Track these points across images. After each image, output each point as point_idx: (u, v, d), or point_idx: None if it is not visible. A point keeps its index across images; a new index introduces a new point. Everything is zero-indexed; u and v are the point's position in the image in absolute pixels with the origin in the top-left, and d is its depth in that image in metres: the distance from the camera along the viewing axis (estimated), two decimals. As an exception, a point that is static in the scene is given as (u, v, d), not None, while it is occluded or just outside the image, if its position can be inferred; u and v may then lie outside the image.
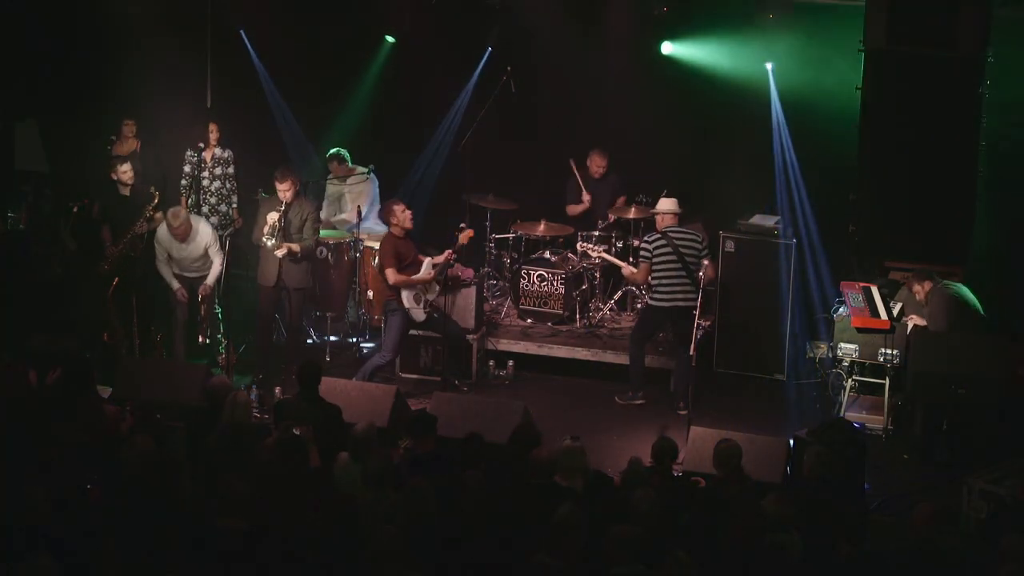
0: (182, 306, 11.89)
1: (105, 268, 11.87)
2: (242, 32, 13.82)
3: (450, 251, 11.72)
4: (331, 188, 13.17)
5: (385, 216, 11.65)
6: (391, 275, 11.52)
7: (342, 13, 13.52)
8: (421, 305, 11.58)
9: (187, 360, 11.88)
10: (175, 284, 11.80)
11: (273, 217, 11.50)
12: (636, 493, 7.63)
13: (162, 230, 11.82)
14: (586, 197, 13.23)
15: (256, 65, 13.88)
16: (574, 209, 13.38)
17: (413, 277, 11.57)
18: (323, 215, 13.02)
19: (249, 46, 13.85)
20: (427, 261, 11.61)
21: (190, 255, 11.80)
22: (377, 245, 12.35)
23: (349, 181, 13.03)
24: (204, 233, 11.87)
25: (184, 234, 11.69)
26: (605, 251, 12.43)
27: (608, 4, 13.28)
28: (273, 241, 11.48)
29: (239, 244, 12.67)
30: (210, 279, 11.84)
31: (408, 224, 11.56)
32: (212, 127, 13.08)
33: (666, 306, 11.50)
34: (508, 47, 13.50)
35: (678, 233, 11.57)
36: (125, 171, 11.96)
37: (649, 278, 11.66)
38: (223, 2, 13.72)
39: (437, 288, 11.66)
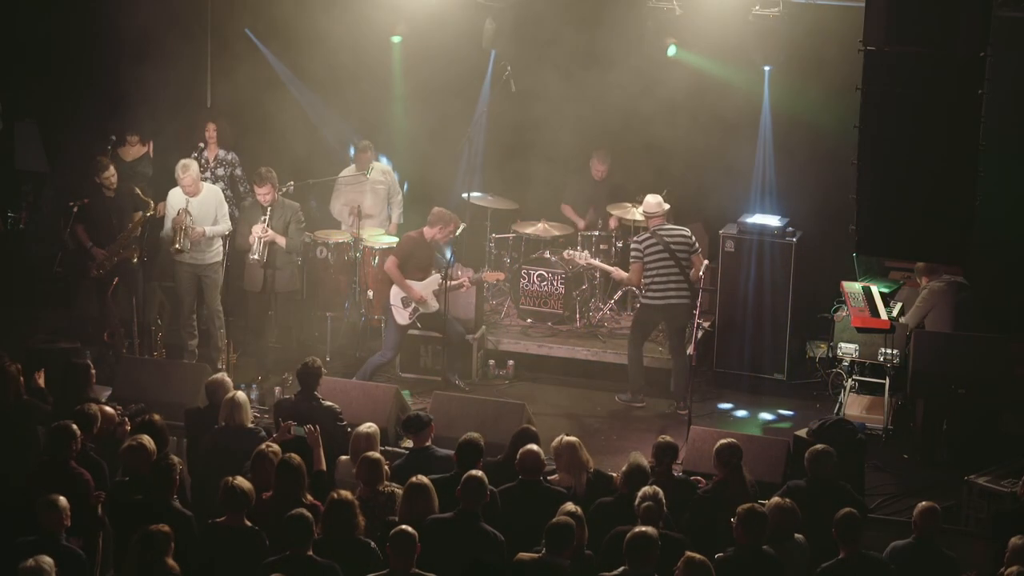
0: (187, 293, 11.88)
1: (97, 273, 11.85)
2: (248, 31, 13.79)
3: (467, 279, 11.77)
4: (349, 180, 12.98)
5: (433, 219, 11.62)
6: (390, 262, 11.57)
7: (347, 12, 13.50)
8: (408, 309, 11.57)
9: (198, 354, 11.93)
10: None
11: (257, 230, 11.50)
12: (641, 492, 7.62)
13: (173, 194, 11.85)
14: (581, 224, 13.24)
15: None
16: (568, 212, 13.39)
17: (407, 281, 11.56)
18: (335, 209, 12.93)
19: (260, 45, 13.79)
20: (432, 278, 11.55)
21: (202, 214, 11.71)
22: (379, 245, 12.40)
23: (374, 177, 12.94)
24: (212, 189, 11.94)
25: (195, 190, 11.71)
26: (592, 256, 12.43)
27: (611, 4, 13.27)
28: (257, 256, 11.51)
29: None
30: (209, 231, 11.71)
31: (442, 240, 11.59)
32: (210, 126, 13.08)
33: (660, 303, 11.50)
34: (509, 47, 13.49)
35: (667, 231, 11.58)
36: (108, 176, 11.93)
37: (642, 277, 11.65)
38: (225, 2, 13.70)
39: (435, 305, 11.62)
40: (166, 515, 7.29)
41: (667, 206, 11.72)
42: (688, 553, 6.89)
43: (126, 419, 8.82)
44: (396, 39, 13.71)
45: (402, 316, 11.60)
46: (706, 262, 11.43)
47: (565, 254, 12.53)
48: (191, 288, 11.88)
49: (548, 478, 8.38)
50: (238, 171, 13.03)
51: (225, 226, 11.81)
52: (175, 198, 11.81)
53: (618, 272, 12.05)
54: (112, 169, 12.01)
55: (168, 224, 11.80)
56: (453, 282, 11.71)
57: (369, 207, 12.81)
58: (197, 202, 11.75)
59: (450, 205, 13.45)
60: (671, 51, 13.14)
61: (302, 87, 13.86)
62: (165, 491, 7.60)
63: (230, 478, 7.46)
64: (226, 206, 11.94)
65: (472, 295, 12.32)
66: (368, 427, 8.63)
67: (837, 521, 7.43)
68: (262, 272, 11.65)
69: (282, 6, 13.52)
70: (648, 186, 13.09)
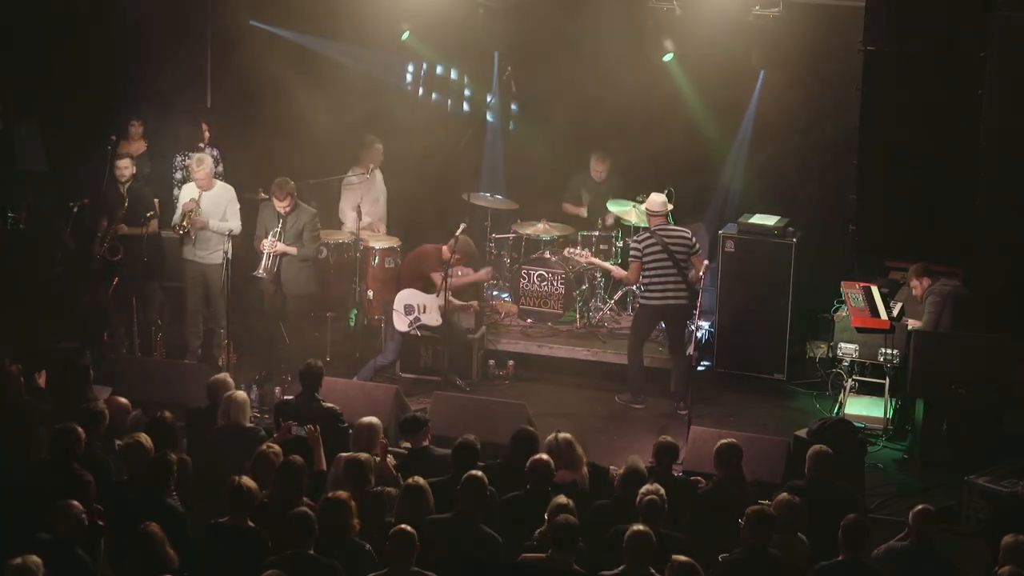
0: (194, 292, 11.88)
1: (94, 267, 11.85)
2: (255, 22, 13.74)
3: (476, 303, 11.93)
4: (356, 187, 13.00)
5: (462, 248, 11.65)
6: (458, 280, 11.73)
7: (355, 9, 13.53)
8: (409, 317, 11.55)
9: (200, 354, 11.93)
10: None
11: (266, 244, 11.50)
12: (642, 489, 7.63)
13: (187, 188, 11.94)
14: (584, 210, 13.26)
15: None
16: (569, 208, 13.40)
17: (465, 277, 11.73)
18: (344, 211, 12.90)
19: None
20: (433, 299, 11.56)
21: (210, 210, 11.74)
22: (379, 245, 12.40)
23: (379, 178, 12.95)
24: (225, 187, 11.95)
25: (207, 185, 11.76)
26: (592, 255, 12.42)
27: (609, 2, 13.27)
28: (263, 273, 11.53)
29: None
30: (213, 224, 11.72)
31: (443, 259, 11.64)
32: (204, 125, 13.10)
33: (658, 304, 11.49)
34: (509, 46, 13.50)
35: (668, 231, 11.56)
36: (125, 167, 11.96)
37: (641, 277, 11.65)
38: (225, 1, 13.69)
39: (438, 318, 11.60)
40: (160, 513, 7.29)
41: (670, 206, 11.70)
42: (674, 556, 6.88)
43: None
44: (405, 35, 13.71)
45: (402, 323, 11.59)
46: (706, 262, 11.43)
47: (565, 252, 12.53)
48: (197, 287, 11.89)
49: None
50: (219, 168, 13.05)
51: (234, 225, 11.78)
52: (188, 191, 11.90)
53: (617, 270, 12.05)
54: (128, 162, 12.02)
55: (179, 211, 11.85)
56: (462, 304, 11.76)
57: (371, 209, 12.79)
58: (208, 196, 11.77)
59: (449, 205, 13.48)
60: (668, 57, 13.17)
61: (306, 81, 13.86)
62: (161, 488, 7.60)
63: (236, 478, 7.44)
64: (237, 204, 11.92)
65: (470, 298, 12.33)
66: (370, 419, 8.63)
67: (845, 526, 7.39)
68: (273, 277, 11.64)
69: (283, 4, 13.53)
70: (647, 186, 13.12)
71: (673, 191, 12.18)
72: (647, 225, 11.78)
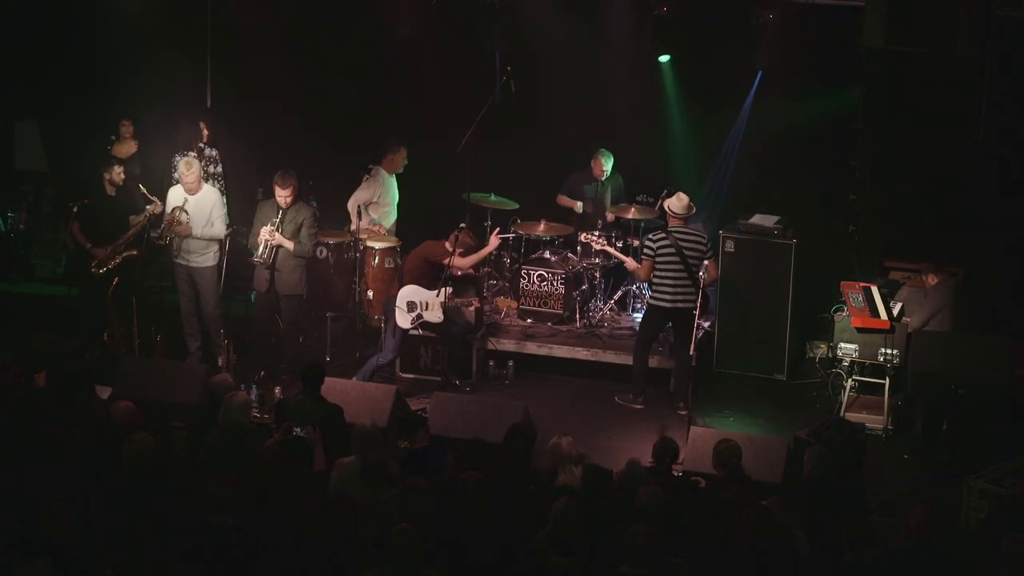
0: (184, 294, 11.89)
1: (97, 271, 11.86)
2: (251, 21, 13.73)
3: (477, 299, 11.91)
4: (368, 186, 12.95)
5: (462, 243, 11.68)
6: (462, 261, 11.68)
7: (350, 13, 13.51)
8: (411, 314, 11.54)
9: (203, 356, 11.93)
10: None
11: (265, 232, 11.50)
12: (642, 490, 7.64)
13: (173, 191, 11.89)
14: (580, 205, 13.25)
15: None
16: (564, 201, 13.37)
17: (475, 256, 11.74)
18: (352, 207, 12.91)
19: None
20: (442, 290, 11.58)
21: (197, 214, 11.71)
22: (379, 245, 12.40)
23: (390, 182, 12.97)
24: (210, 191, 11.92)
25: (195, 189, 11.73)
26: (607, 244, 12.41)
27: (608, 3, 13.28)
28: (260, 259, 11.52)
29: (238, 244, 12.69)
30: (198, 232, 11.70)
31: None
32: (202, 125, 13.10)
33: (667, 307, 11.46)
34: (509, 47, 13.49)
35: (683, 233, 11.53)
36: (119, 172, 11.96)
37: (651, 276, 11.63)
38: (224, 1, 13.70)
39: (440, 315, 11.60)
40: (158, 514, 7.30)
41: (693, 210, 11.64)
42: (671, 557, 6.89)
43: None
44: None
45: (404, 320, 11.58)
46: (706, 262, 11.41)
47: (583, 237, 12.50)
48: (188, 289, 11.89)
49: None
50: (219, 168, 13.02)
51: (220, 230, 11.78)
52: (174, 195, 11.86)
53: (631, 262, 12.02)
54: (122, 168, 12.03)
55: (163, 220, 11.85)
56: (461, 300, 11.76)
57: (383, 211, 12.81)
58: (195, 200, 11.76)
59: (451, 205, 13.48)
60: (664, 58, 13.18)
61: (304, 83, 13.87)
62: (159, 489, 7.61)
63: (218, 476, 7.47)
64: (223, 208, 11.91)
65: (472, 295, 12.32)
66: (369, 424, 8.64)
67: (843, 519, 7.41)
68: (267, 272, 11.66)
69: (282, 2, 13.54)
70: (646, 186, 13.13)
71: (666, 191, 12.15)
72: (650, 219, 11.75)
